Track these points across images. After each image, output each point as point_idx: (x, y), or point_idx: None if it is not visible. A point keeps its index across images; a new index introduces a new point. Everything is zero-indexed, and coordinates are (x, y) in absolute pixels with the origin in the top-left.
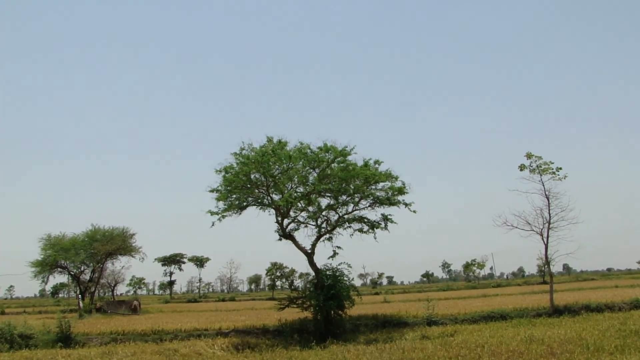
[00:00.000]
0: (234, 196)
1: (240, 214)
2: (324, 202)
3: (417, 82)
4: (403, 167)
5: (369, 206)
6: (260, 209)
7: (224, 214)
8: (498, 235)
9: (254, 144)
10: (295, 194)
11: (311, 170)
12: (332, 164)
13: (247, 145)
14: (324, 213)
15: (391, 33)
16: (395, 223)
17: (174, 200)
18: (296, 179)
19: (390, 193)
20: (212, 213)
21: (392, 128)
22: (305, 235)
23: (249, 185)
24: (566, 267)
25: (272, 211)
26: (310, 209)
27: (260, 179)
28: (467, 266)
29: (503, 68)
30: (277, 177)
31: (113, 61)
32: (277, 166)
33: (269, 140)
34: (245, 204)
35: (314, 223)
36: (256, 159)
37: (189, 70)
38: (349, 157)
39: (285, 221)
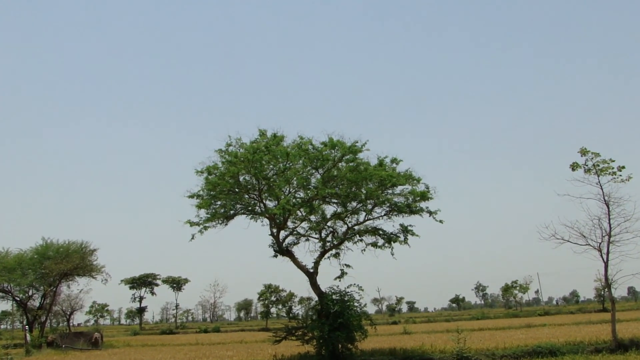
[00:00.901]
0: (219, 203)
1: (226, 224)
2: (330, 209)
3: (437, 69)
4: (425, 168)
5: (385, 215)
6: (251, 218)
7: (207, 224)
8: (545, 251)
9: (243, 138)
10: (294, 200)
11: (313, 171)
12: (340, 163)
13: (235, 141)
14: (329, 223)
15: (408, 7)
16: (417, 236)
17: (145, 209)
18: (295, 182)
19: (410, 199)
20: (191, 224)
21: (410, 122)
22: (306, 251)
23: (237, 190)
24: (632, 291)
25: (266, 221)
26: (313, 218)
27: (250, 182)
28: (506, 289)
29: (545, 43)
30: (271, 179)
31: (70, 48)
32: (271, 166)
33: (262, 133)
34: (232, 212)
35: (317, 236)
36: (246, 157)
37: (164, 53)
38: (360, 155)
39: (282, 233)
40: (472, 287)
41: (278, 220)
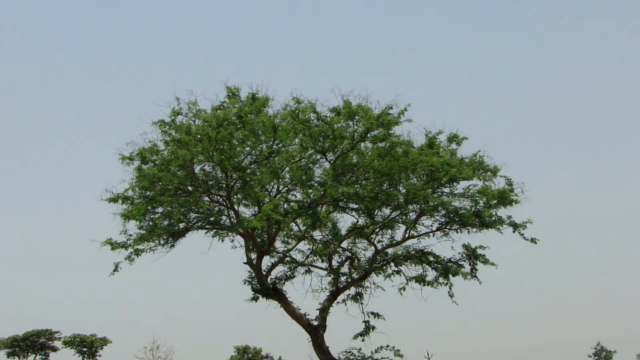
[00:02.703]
0: (160, 210)
1: (172, 246)
2: (346, 221)
3: None
4: (499, 154)
5: (439, 230)
6: (214, 235)
7: (139, 246)
8: None
9: (200, 102)
10: (285, 206)
11: (319, 157)
12: (362, 144)
13: (188, 106)
14: (345, 244)
15: None
16: (492, 265)
17: (33, 222)
18: (288, 175)
19: (481, 202)
20: (113, 246)
21: (471, 82)
22: (306, 291)
23: (190, 188)
24: None
25: (240, 240)
26: (318, 235)
27: (213, 175)
28: None
29: None
30: (248, 171)
31: None
32: (248, 148)
33: (232, 94)
34: (182, 225)
35: (324, 265)
36: (205, 132)
37: None
38: (397, 130)
39: (266, 260)
40: (590, 352)
41: (260, 240)
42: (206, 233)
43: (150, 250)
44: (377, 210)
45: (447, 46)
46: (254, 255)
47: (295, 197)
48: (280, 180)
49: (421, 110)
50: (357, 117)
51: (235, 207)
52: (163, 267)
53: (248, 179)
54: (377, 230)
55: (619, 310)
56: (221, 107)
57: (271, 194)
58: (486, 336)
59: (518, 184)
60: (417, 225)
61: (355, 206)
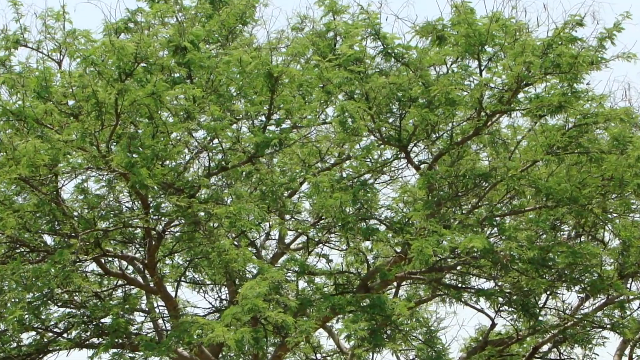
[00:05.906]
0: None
1: None
2: (464, 321)
3: None
4: None
5: None
6: None
7: None
8: None
9: (76, 13)
10: (305, 287)
11: (392, 156)
12: (506, 117)
13: (41, 22)
14: None
15: None
16: None
17: None
18: (309, 203)
19: None
20: None
21: None
22: None
23: (50, 241)
24: None
25: None
26: None
27: (111, 205)
28: None
29: None
30: (202, 195)
31: None
32: (201, 132)
33: None
34: (30, 338)
35: None
36: (87, 92)
37: None
38: (594, 81)
39: None
40: None
41: None
42: (92, 358)
43: None
44: (544, 297)
45: None
46: None
47: (330, 261)
48: (290, 218)
49: None
50: (489, 50)
51: (169, 289)
52: None
53: (203, 213)
54: (545, 346)
55: None
56: (130, 26)
57: (265, 252)
58: None
59: None
60: None
61: (489, 285)
